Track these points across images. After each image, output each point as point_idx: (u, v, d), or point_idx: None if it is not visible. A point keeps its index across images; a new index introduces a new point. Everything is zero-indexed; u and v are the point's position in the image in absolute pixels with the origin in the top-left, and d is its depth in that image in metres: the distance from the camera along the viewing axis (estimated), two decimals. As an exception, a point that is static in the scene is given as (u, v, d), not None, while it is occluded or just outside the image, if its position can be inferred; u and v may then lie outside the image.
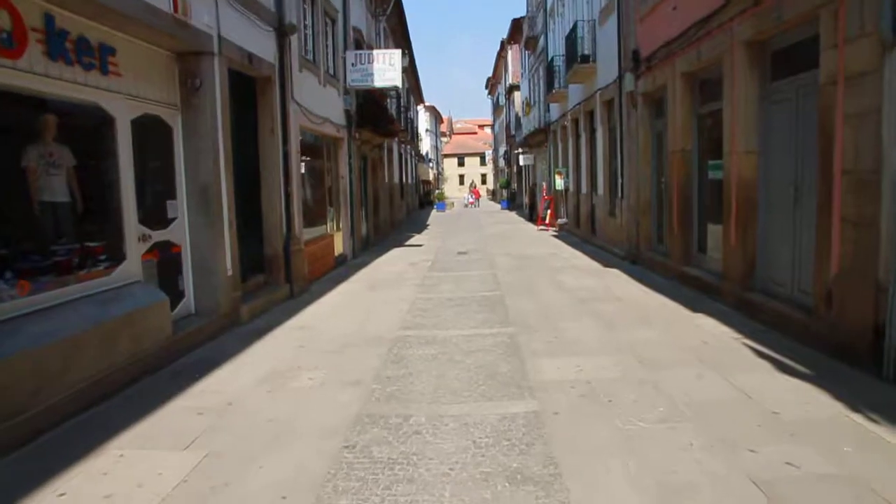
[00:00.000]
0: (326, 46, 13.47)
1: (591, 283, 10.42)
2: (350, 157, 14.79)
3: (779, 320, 6.65)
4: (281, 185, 9.81)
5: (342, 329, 7.72)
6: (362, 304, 9.33)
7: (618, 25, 12.85)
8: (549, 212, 22.08)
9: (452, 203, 48.72)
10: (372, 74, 14.24)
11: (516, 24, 33.30)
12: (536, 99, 28.03)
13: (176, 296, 7.28)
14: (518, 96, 38.09)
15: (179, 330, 6.79)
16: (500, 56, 46.02)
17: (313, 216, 12.63)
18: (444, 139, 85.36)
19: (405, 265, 13.68)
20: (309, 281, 11.00)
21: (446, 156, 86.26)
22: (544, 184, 26.35)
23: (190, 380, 5.73)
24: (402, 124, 28.10)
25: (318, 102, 12.13)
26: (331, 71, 13.63)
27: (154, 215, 6.95)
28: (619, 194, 13.60)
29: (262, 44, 9.08)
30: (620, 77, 13.06)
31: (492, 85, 57.42)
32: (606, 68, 14.63)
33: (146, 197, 6.83)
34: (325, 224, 13.24)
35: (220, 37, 7.62)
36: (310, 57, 11.94)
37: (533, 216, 25.97)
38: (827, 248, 5.75)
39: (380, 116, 16.76)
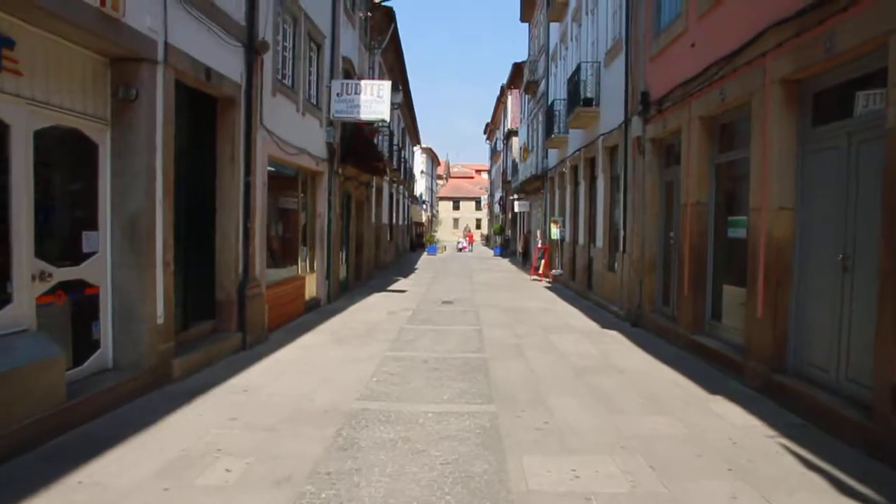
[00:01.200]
0: (309, 73, 12.45)
1: (587, 347, 9.16)
2: (330, 194, 13.64)
3: (822, 415, 5.39)
4: (240, 220, 8.60)
5: (290, 395, 6.40)
6: (322, 361, 8.02)
7: (625, 66, 11.90)
8: (542, 261, 20.93)
9: (444, 247, 47.63)
10: (358, 106, 13.21)
11: (517, 69, 32.76)
12: (534, 145, 27.19)
13: (88, 347, 5.99)
14: (516, 142, 37.43)
15: (82, 392, 5.46)
16: (500, 101, 45.64)
17: (282, 256, 11.40)
18: (441, 182, 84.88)
19: (383, 314, 12.39)
20: (269, 329, 9.69)
21: (441, 198, 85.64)
22: (539, 232, 25.28)
23: (67, 466, 4.39)
24: (395, 163, 27.16)
25: (294, 131, 11.02)
26: (313, 99, 12.58)
27: (62, 248, 5.70)
28: (621, 248, 12.44)
29: (225, 59, 7.98)
30: (626, 122, 12.05)
31: (490, 130, 57.08)
32: (611, 113, 13.67)
33: (53, 226, 5.59)
34: (296, 265, 12.00)
35: (166, 44, 6.49)
36: (287, 81, 10.88)
37: (526, 264, 24.81)
38: (894, 332, 4.54)
39: (366, 152, 15.69)
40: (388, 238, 27.98)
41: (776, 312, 6.36)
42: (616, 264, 13.56)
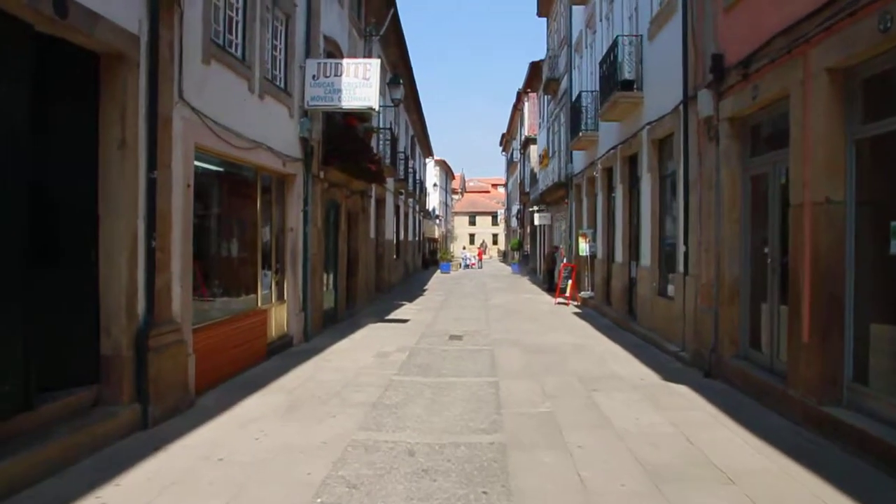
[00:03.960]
0: (274, 48, 9.74)
1: (654, 418, 6.21)
2: (306, 203, 10.85)
3: None
4: (139, 236, 5.81)
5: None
6: (248, 457, 5.15)
7: (683, 27, 9.02)
8: (569, 282, 17.97)
9: (459, 264, 44.71)
10: (339, 91, 10.45)
11: (534, 69, 30.00)
12: (556, 149, 24.31)
13: None
14: (534, 150, 34.56)
15: None
16: (516, 108, 42.92)
17: (230, 283, 8.59)
18: (456, 196, 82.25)
19: (369, 357, 9.52)
20: (199, 390, 6.88)
21: (457, 213, 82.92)
22: (562, 247, 22.33)
23: None
24: (401, 172, 24.42)
25: (245, 118, 8.27)
26: (279, 81, 9.84)
27: None
28: (680, 268, 9.48)
29: (105, -6, 5.26)
30: (686, 101, 9.15)
31: (506, 141, 54.30)
32: (659, 95, 10.78)
33: None
34: (255, 294, 9.17)
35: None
36: (234, 50, 8.14)
37: (551, 285, 21.82)
38: None
39: (356, 152, 12.92)
40: (395, 256, 25.17)
41: None
42: (670, 288, 10.59)
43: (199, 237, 7.74)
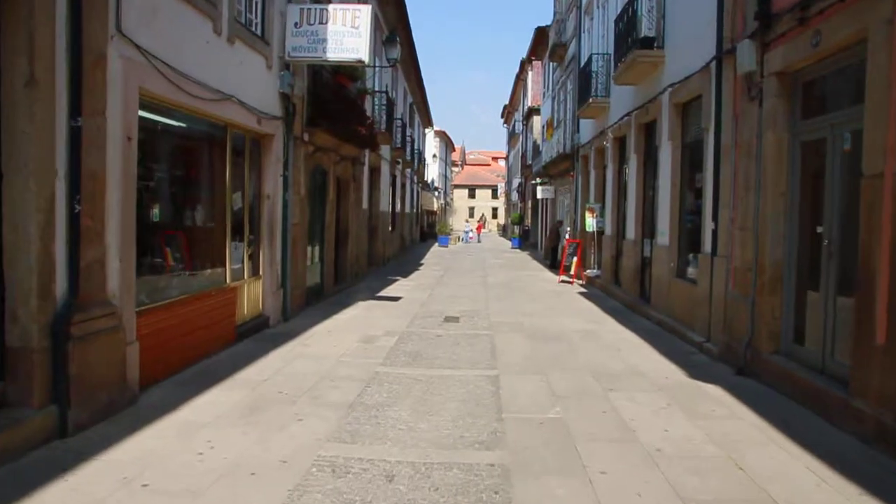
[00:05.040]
0: (249, -14, 8.50)
1: (689, 430, 5.13)
2: (286, 168, 9.66)
3: None
4: (58, 200, 4.67)
5: None
6: (182, 483, 4.05)
7: (722, -30, 7.78)
8: (574, 259, 16.85)
9: (458, 237, 43.54)
10: (324, 41, 9.20)
11: (540, 35, 28.48)
12: (562, 118, 23.02)
13: None
14: (537, 121, 33.22)
15: None
16: (519, 79, 41.39)
17: (190, 256, 7.44)
18: (456, 169, 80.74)
19: (354, 342, 8.44)
20: (146, 382, 5.81)
21: (456, 186, 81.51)
22: (567, 225, 21.18)
23: None
24: (398, 140, 23.16)
25: (210, 64, 7.06)
26: (254, 27, 8.61)
27: None
28: (708, 247, 8.36)
29: None
30: (720, 57, 7.94)
31: (508, 113, 52.78)
32: (684, 52, 9.56)
33: None
34: (223, 268, 8.05)
35: None
36: (194, -19, 6.90)
37: (554, 262, 20.71)
38: None
39: (346, 113, 11.69)
40: (390, 228, 24.01)
41: None
42: (691, 270, 9.49)
43: (151, 202, 6.64)
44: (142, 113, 5.98)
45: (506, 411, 5.61)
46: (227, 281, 8.10)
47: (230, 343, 7.91)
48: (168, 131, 6.93)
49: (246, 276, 8.73)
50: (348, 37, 9.13)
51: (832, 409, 5.25)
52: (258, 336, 8.64)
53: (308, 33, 9.20)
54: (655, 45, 10.68)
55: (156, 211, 6.85)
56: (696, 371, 7.11)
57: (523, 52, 36.53)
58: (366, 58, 9.21)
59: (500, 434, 5.02)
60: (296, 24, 9.22)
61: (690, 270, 9.57)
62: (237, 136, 8.33)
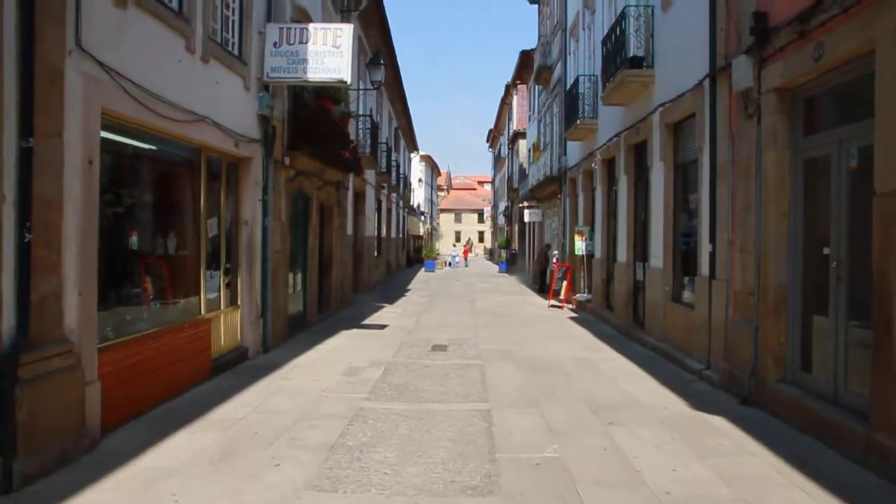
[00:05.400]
0: (227, 6, 8.18)
1: (698, 470, 4.74)
2: (266, 193, 9.28)
3: None
4: (5, 228, 4.25)
5: None
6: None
7: (714, -16, 7.58)
8: (564, 283, 16.51)
9: (445, 262, 43.14)
10: (305, 61, 8.89)
11: (525, 58, 28.50)
12: (548, 141, 22.87)
13: None
14: (523, 145, 33.10)
15: None
16: (504, 102, 41.42)
17: (164, 286, 7.00)
18: (442, 193, 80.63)
19: (337, 375, 8.00)
20: (109, 426, 5.34)
21: (443, 210, 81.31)
22: (556, 248, 20.89)
23: None
24: (383, 165, 22.88)
25: (182, 84, 6.71)
26: (230, 46, 8.28)
27: None
28: (705, 271, 8.05)
29: None
30: (713, 74, 7.71)
31: (493, 137, 52.82)
32: (674, 71, 9.35)
33: None
34: (197, 298, 7.60)
35: None
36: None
37: (543, 286, 20.38)
38: None
39: (328, 137, 11.36)
40: (376, 254, 23.61)
41: None
42: (688, 294, 9.18)
43: (118, 230, 6.21)
44: (106, 135, 5.62)
45: (499, 450, 5.19)
46: (202, 312, 7.65)
47: (205, 378, 7.44)
48: (137, 154, 6.54)
49: (223, 307, 8.29)
50: (329, 56, 8.83)
51: (850, 444, 4.89)
52: (236, 369, 8.17)
53: (288, 53, 8.89)
54: (644, 64, 10.48)
55: (124, 239, 6.43)
56: (697, 401, 6.74)
57: (508, 76, 36.65)
58: (348, 78, 8.90)
59: (493, 477, 4.61)
60: (275, 43, 8.91)
61: (687, 294, 9.25)
62: (213, 160, 7.95)
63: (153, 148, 6.75)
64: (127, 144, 6.18)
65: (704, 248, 8.10)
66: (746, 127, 6.79)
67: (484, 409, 6.49)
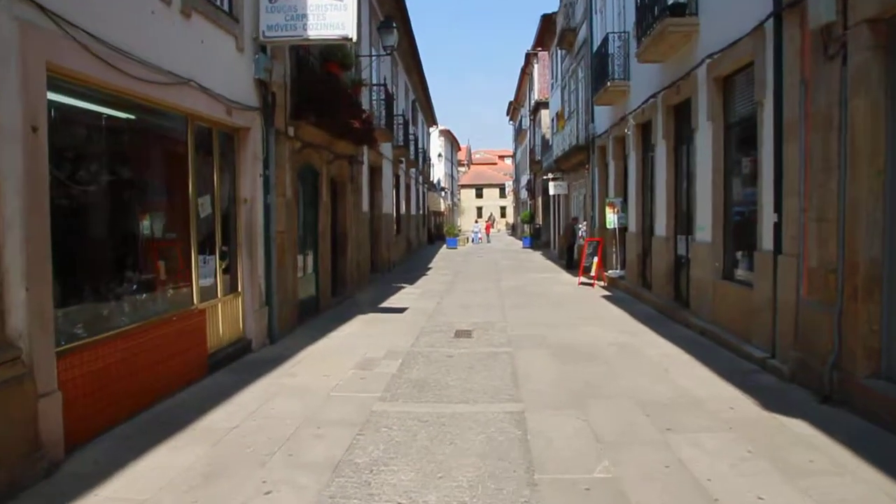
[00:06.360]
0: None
1: (791, 498, 3.77)
2: (268, 167, 8.37)
3: None
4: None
5: None
6: None
7: None
8: (595, 259, 15.46)
9: (467, 239, 42.15)
10: (304, 17, 7.89)
11: (546, 23, 27.10)
12: (574, 108, 21.63)
13: None
14: (545, 115, 31.80)
15: None
16: (524, 73, 39.91)
17: (147, 274, 6.13)
18: (462, 169, 79.36)
19: (349, 369, 7.12)
20: (74, 442, 4.52)
21: (463, 186, 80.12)
22: (583, 221, 19.80)
23: None
24: (400, 138, 21.85)
25: (157, 40, 5.77)
26: (219, 1, 7.31)
27: None
28: (768, 244, 6.98)
29: None
30: (779, 10, 6.56)
31: (513, 109, 51.29)
32: (725, 15, 8.18)
33: None
34: (189, 287, 6.74)
35: None
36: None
37: (570, 262, 19.35)
38: None
39: (335, 104, 10.37)
40: (395, 231, 22.69)
41: None
42: (743, 272, 8.13)
43: (87, 211, 5.35)
44: (62, 98, 4.74)
45: (539, 469, 4.26)
46: (196, 302, 6.79)
47: (200, 376, 6.61)
48: (111, 124, 5.63)
49: (220, 295, 7.43)
50: (332, 10, 7.82)
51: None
52: (236, 365, 7.34)
53: (285, 8, 7.89)
54: (688, 11, 9.30)
55: (96, 222, 5.57)
56: (766, 398, 5.73)
57: (524, 50, 35.23)
58: (353, 34, 7.88)
59: (535, 512, 3.69)
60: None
61: (741, 271, 8.20)
62: (202, 130, 7.02)
63: (130, 117, 5.85)
64: (91, 111, 5.28)
65: (766, 217, 7.02)
66: (826, 71, 5.67)
67: (517, 410, 5.57)
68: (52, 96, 4.48)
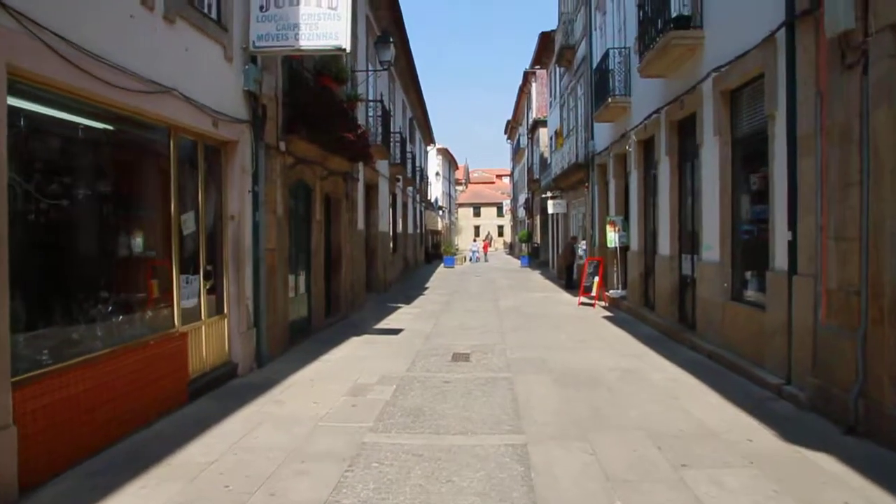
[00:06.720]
0: (199, -40, 6.91)
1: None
2: (257, 183, 8.02)
3: None
4: None
5: None
6: None
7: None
8: (595, 279, 15.09)
9: (464, 258, 41.79)
10: (296, 27, 7.59)
11: (544, 40, 26.98)
12: (573, 126, 21.41)
13: None
14: (543, 133, 31.63)
15: None
16: (522, 91, 39.86)
17: (122, 295, 5.74)
18: (460, 187, 79.24)
19: (340, 395, 6.71)
20: (34, 482, 4.11)
21: (461, 205, 79.92)
22: (582, 240, 19.47)
23: None
24: (397, 156, 21.57)
25: (137, 46, 5.45)
26: (205, 7, 7.01)
27: None
28: (782, 264, 6.62)
29: None
30: (793, 19, 6.27)
31: (511, 128, 51.22)
32: (732, 27, 7.91)
33: None
34: (170, 309, 6.34)
35: None
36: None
37: (570, 282, 18.99)
38: None
39: (328, 119, 10.05)
40: (393, 250, 22.33)
41: None
42: (752, 293, 7.77)
43: (57, 228, 4.98)
44: (26, 104, 4.39)
45: (545, 517, 3.86)
46: (177, 324, 6.40)
47: (180, 404, 6.19)
48: (88, 136, 5.28)
49: (204, 316, 7.03)
50: (325, 20, 7.52)
51: None
52: (220, 391, 6.92)
53: (276, 18, 7.60)
54: (692, 24, 9.04)
55: (69, 239, 5.19)
56: (785, 428, 5.34)
57: (522, 68, 35.23)
58: (347, 45, 7.58)
59: (541, 563, 3.28)
60: (261, 7, 7.62)
61: (751, 292, 7.84)
62: (186, 143, 6.68)
63: (107, 127, 5.50)
64: (64, 120, 4.93)
65: (779, 235, 6.68)
66: (844, 81, 5.36)
67: (518, 443, 5.17)
68: (15, 102, 4.15)
